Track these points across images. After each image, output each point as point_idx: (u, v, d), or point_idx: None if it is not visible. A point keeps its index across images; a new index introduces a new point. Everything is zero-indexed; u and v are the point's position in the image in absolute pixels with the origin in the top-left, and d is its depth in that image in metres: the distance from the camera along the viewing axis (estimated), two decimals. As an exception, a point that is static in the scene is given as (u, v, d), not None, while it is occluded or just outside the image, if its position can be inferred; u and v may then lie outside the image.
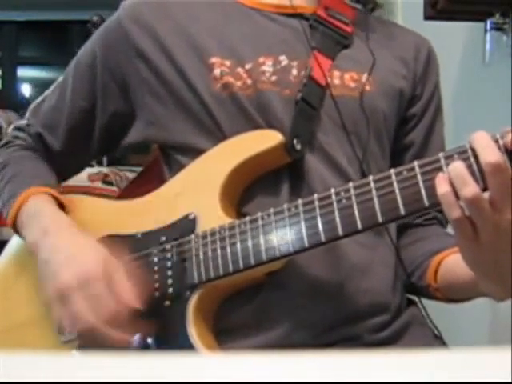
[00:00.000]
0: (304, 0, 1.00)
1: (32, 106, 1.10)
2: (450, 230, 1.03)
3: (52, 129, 1.05)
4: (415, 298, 0.99)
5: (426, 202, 0.74)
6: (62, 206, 0.97)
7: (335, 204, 0.79)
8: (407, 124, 1.02)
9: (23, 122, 1.10)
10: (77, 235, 0.90)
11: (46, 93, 1.09)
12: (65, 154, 1.06)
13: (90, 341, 0.83)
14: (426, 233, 1.01)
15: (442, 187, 0.71)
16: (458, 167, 0.70)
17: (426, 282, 0.93)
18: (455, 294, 0.91)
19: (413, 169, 0.75)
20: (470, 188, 0.69)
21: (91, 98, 1.02)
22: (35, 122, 1.07)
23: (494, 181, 0.69)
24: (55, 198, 0.97)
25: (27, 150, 1.07)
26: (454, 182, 0.70)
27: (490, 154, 0.69)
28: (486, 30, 1.44)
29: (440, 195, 0.71)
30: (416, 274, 0.96)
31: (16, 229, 0.97)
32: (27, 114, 1.10)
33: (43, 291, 0.87)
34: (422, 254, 0.96)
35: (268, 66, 0.93)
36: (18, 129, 1.09)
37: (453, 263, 0.89)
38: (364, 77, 0.96)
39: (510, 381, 0.30)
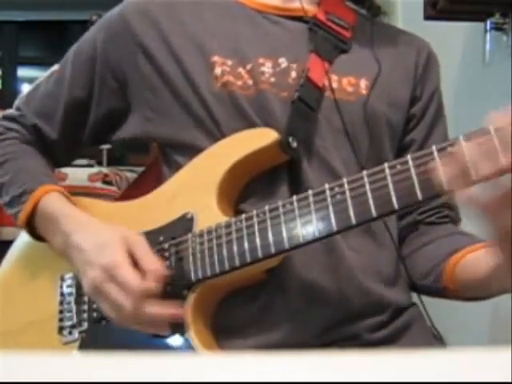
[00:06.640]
0: (305, 3, 1.00)
1: (23, 95, 1.08)
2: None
3: (48, 117, 1.04)
4: (416, 298, 0.99)
5: (420, 196, 0.73)
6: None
7: (329, 199, 0.78)
8: (408, 124, 1.02)
9: (14, 111, 1.07)
10: (96, 229, 0.90)
11: (38, 81, 1.07)
12: (60, 143, 1.05)
13: (137, 324, 0.83)
14: (439, 233, 0.99)
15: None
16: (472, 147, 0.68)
17: (443, 284, 0.91)
18: (473, 293, 0.89)
19: (406, 162, 0.75)
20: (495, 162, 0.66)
21: (89, 88, 1.01)
22: (29, 111, 1.05)
23: None
24: (66, 197, 0.97)
25: (25, 144, 1.05)
26: (471, 161, 0.67)
27: None
28: (486, 30, 1.44)
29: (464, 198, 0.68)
30: (430, 277, 0.94)
31: (30, 227, 0.96)
32: (18, 103, 1.07)
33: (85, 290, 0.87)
34: (436, 256, 0.94)
35: (267, 68, 0.93)
36: (10, 119, 1.07)
37: (470, 264, 0.87)
38: (362, 81, 0.96)
39: (509, 381, 0.30)
